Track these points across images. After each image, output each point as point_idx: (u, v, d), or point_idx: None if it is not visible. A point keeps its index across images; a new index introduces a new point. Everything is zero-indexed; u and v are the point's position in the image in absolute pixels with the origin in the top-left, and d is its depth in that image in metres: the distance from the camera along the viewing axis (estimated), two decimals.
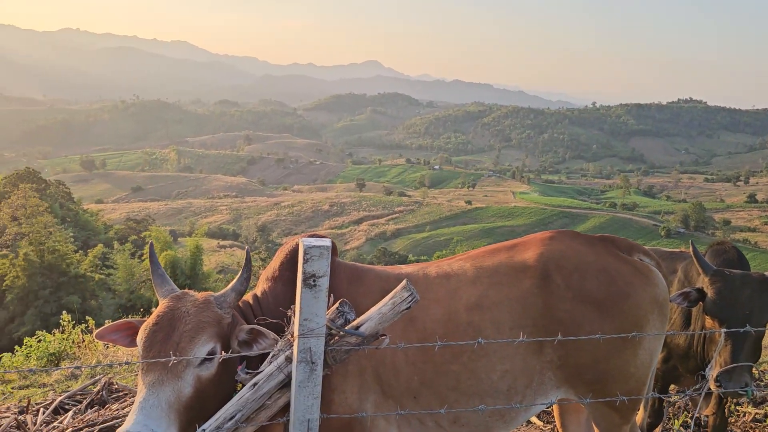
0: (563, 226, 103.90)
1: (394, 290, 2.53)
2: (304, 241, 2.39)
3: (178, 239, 63.41)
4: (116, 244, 39.44)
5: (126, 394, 4.74)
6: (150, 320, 2.60)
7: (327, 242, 2.43)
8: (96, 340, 8.20)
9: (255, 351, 2.65)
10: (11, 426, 4.39)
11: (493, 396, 2.94)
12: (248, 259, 2.74)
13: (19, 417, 4.52)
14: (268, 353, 2.63)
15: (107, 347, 8.39)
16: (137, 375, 6.19)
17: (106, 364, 3.14)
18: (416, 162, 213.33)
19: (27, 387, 6.38)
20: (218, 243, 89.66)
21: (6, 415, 4.81)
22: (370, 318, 2.51)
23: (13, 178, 54.11)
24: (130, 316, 7.35)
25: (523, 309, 2.95)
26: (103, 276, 37.91)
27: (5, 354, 8.44)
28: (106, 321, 8.69)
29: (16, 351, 7.90)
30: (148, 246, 2.74)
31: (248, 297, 2.94)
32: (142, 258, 32.41)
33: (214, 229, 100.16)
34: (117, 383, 5.03)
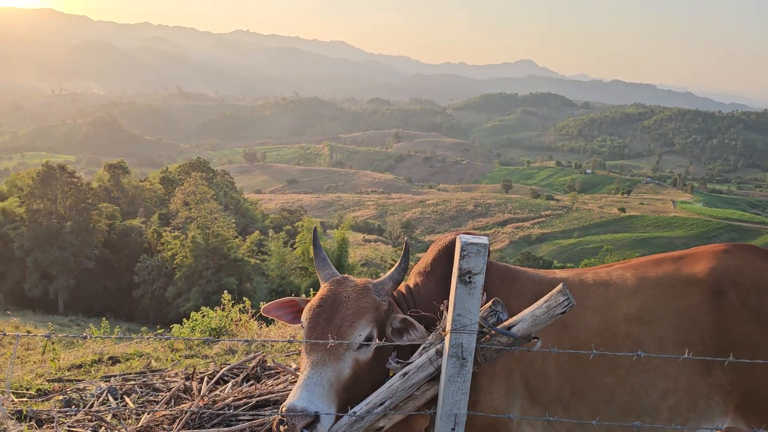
0: (730, 240, 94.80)
1: (550, 293, 2.46)
2: (461, 238, 2.40)
3: (327, 231, 66.45)
4: (271, 232, 42.00)
5: (278, 372, 5.05)
6: (313, 302, 2.76)
7: (484, 240, 2.41)
8: (250, 320, 8.80)
9: (405, 341, 2.72)
10: (179, 389, 4.86)
11: (651, 415, 2.76)
12: (407, 250, 2.80)
13: (186, 383, 4.99)
14: (419, 345, 2.68)
15: (261, 327, 8.98)
16: (288, 355, 6.57)
17: (263, 341, 3.36)
18: (567, 165, 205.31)
19: (192, 357, 7.00)
20: (363, 237, 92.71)
21: (175, 380, 5.34)
22: (523, 320, 2.47)
23: (186, 167, 59.73)
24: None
25: (690, 325, 2.74)
26: (258, 261, 40.74)
27: (175, 325, 9.33)
28: (261, 303, 9.33)
29: (184, 323, 8.69)
30: (312, 231, 2.91)
31: (401, 288, 3.01)
32: (294, 246, 34.26)
33: (360, 223, 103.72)
34: (271, 361, 5.38)
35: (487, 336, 2.48)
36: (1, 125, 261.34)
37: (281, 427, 2.41)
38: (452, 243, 2.80)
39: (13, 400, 4.92)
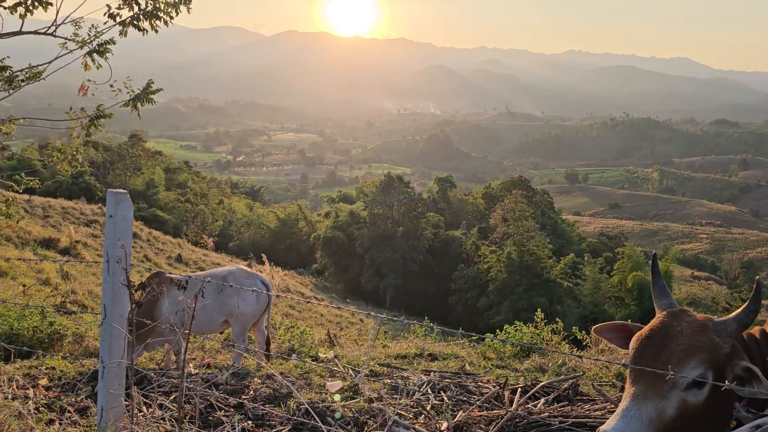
0: None
1: None
2: None
3: (650, 262, 61.39)
4: (587, 257, 40.59)
5: (591, 399, 4.87)
6: (643, 332, 2.61)
7: None
8: (561, 342, 8.63)
9: (746, 391, 2.38)
10: (492, 396, 5.03)
11: None
12: (758, 290, 2.46)
13: (499, 390, 5.14)
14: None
15: (572, 350, 8.75)
16: (600, 385, 6.28)
17: (577, 356, 3.26)
18: None
19: (503, 368, 7.17)
20: (692, 273, 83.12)
21: (488, 386, 5.54)
22: None
23: (507, 184, 61.46)
24: None
25: None
26: (570, 284, 39.78)
27: (488, 334, 9.68)
28: (572, 328, 9.06)
29: (497, 334, 8.95)
30: (651, 257, 2.74)
31: (755, 331, 2.65)
32: (611, 274, 32.53)
33: (689, 258, 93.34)
34: (584, 387, 5.22)
35: None
36: (356, 139, 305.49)
37: None
38: None
39: (351, 375, 5.72)
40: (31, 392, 4.09)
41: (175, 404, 3.84)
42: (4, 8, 5.99)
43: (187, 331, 2.72)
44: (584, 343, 8.87)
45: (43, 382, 4.79)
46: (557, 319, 10.14)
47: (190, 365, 6.54)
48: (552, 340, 9.01)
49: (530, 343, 8.39)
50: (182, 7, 6.19)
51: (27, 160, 48.03)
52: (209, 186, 73.88)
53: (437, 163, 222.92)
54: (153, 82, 6.60)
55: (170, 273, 6.45)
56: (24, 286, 13.96)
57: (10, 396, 3.61)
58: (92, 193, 49.63)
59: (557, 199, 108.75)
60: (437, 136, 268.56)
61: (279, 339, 8.27)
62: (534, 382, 5.61)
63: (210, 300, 5.83)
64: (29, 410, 3.35)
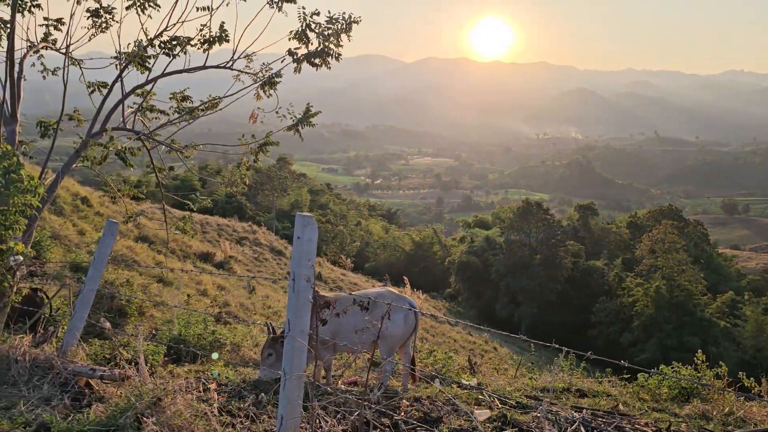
0: None
1: None
2: None
3: None
4: (748, 295, 37.03)
5: None
6: None
7: None
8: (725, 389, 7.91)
9: None
10: None
11: None
12: None
13: None
14: None
15: (740, 399, 7.99)
16: None
17: None
18: None
19: (660, 411, 6.69)
20: None
21: (645, 429, 5.20)
22: None
23: (655, 214, 57.68)
24: None
25: None
26: (728, 325, 36.33)
27: (642, 374, 9.08)
28: (740, 373, 8.27)
29: (651, 375, 8.36)
30: None
31: None
32: None
33: None
34: None
35: None
36: (493, 164, 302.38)
37: None
38: None
39: (498, 405, 5.63)
40: (207, 395, 4.45)
41: (336, 418, 4.01)
42: (192, 46, 6.71)
43: (369, 349, 2.83)
44: (752, 391, 8.06)
45: (213, 386, 5.18)
46: (720, 363, 9.32)
47: (338, 382, 6.78)
48: (715, 385, 8.30)
49: (689, 386, 7.77)
50: (343, 36, 6.56)
51: (190, 180, 52.77)
52: (348, 208, 76.63)
53: (577, 190, 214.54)
54: (312, 106, 7.03)
55: (321, 292, 6.76)
56: (188, 296, 15.29)
57: (194, 398, 3.96)
58: (243, 211, 53.37)
59: (712, 230, 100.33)
60: (578, 162, 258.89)
61: (420, 362, 8.34)
62: (700, 430, 5.20)
63: (360, 320, 6.02)
64: (213, 413, 3.66)
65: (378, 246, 62.47)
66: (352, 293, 6.67)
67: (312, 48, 6.61)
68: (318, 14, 6.48)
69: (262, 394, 5.00)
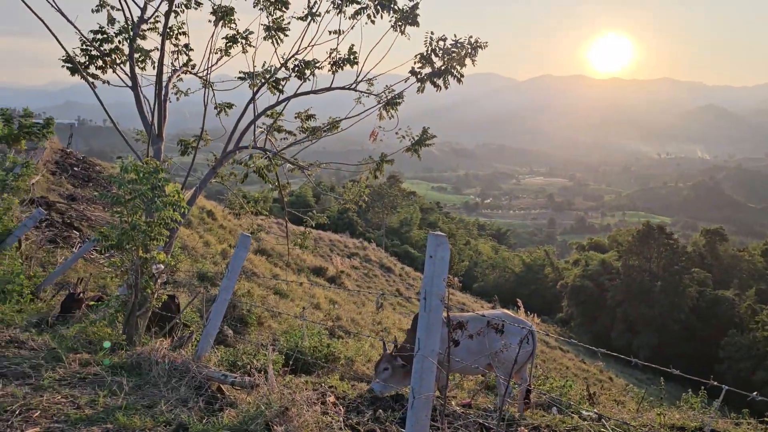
0: None
1: None
2: None
3: None
4: None
5: None
6: None
7: None
8: None
9: None
10: None
11: None
12: None
13: None
14: None
15: None
16: None
17: None
18: None
19: None
20: None
21: None
22: None
23: None
24: None
25: None
26: None
27: None
28: None
29: None
30: None
31: None
32: None
33: None
34: None
35: None
36: (609, 185, 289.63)
37: None
38: None
39: None
40: (326, 407, 4.57)
41: None
42: (320, 69, 7.01)
43: (510, 372, 2.78)
44: None
45: (331, 399, 5.30)
46: None
47: (452, 403, 6.71)
48: None
49: None
50: (467, 60, 6.61)
51: (305, 196, 54.67)
52: (457, 227, 76.24)
53: (704, 214, 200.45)
54: (429, 128, 7.11)
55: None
56: (303, 308, 15.80)
57: (319, 409, 4.08)
58: (354, 227, 54.60)
59: None
60: (705, 184, 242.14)
61: (536, 388, 8.08)
62: None
63: (475, 341, 5.94)
64: (340, 426, 3.75)
65: (487, 266, 61.56)
66: (462, 313, 6.60)
67: (436, 68, 6.69)
68: (444, 40, 6.58)
69: (380, 410, 5.05)
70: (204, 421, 4.01)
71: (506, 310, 7.20)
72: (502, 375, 6.10)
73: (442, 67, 6.60)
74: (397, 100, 6.86)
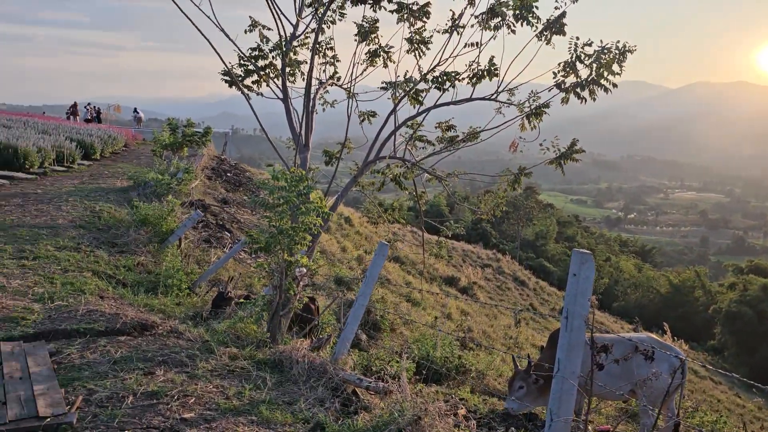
0: None
1: None
2: None
3: None
4: None
5: None
6: None
7: None
8: None
9: None
10: None
11: None
12: None
13: None
14: None
15: None
16: None
17: None
18: None
19: None
20: None
21: None
22: None
23: None
24: None
25: None
26: None
27: None
28: None
29: None
30: None
31: None
32: None
33: None
34: None
35: None
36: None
37: None
38: None
39: None
40: (458, 420, 4.54)
41: None
42: (460, 81, 7.03)
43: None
44: None
45: (462, 412, 5.27)
46: None
47: (590, 428, 6.39)
48: None
49: None
50: (615, 66, 6.28)
51: (438, 205, 54.90)
52: (597, 242, 72.73)
53: None
54: (578, 141, 6.82)
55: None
56: (435, 318, 15.85)
57: (451, 422, 4.07)
58: (488, 238, 53.90)
59: None
60: None
61: (684, 420, 7.47)
62: None
63: (619, 366, 5.62)
64: None
65: (628, 285, 58.09)
66: (606, 335, 6.26)
67: (582, 78, 6.43)
68: (590, 44, 6.30)
69: (512, 428, 4.93)
70: (339, 422, 4.15)
71: (652, 334, 6.72)
72: (649, 404, 5.71)
73: (588, 78, 6.31)
74: (542, 111, 6.65)
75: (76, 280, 7.19)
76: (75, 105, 41.55)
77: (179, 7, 6.23)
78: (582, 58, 6.43)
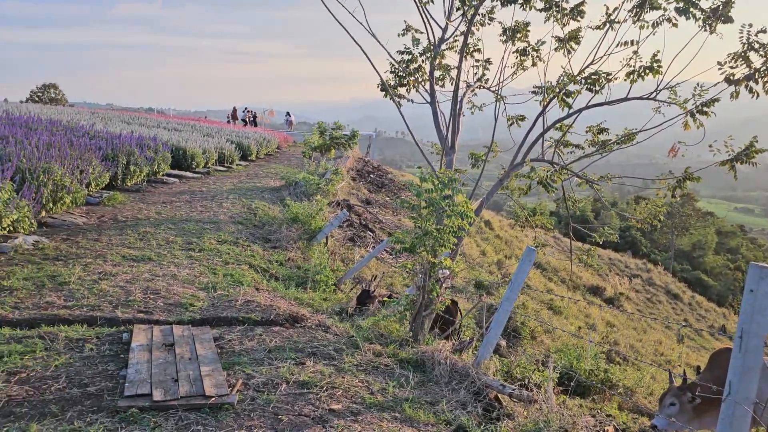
0: None
1: None
2: None
3: None
4: None
5: None
6: None
7: None
8: None
9: None
10: None
11: None
12: None
13: None
14: None
15: None
16: None
17: None
18: None
19: None
20: None
21: None
22: None
23: None
24: None
25: None
26: None
27: None
28: None
29: None
30: None
31: None
32: None
33: None
34: None
35: None
36: None
37: None
38: None
39: None
40: None
41: None
42: (616, 79, 6.66)
43: None
44: None
45: (610, 429, 4.99)
46: None
47: None
48: None
49: None
50: None
51: (584, 211, 52.64)
52: (765, 255, 65.69)
53: None
54: (756, 140, 6.20)
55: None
56: (579, 328, 15.20)
57: None
58: (637, 247, 50.72)
59: None
60: None
61: None
62: None
63: None
64: None
65: None
66: None
67: (753, 67, 5.79)
68: (765, 31, 5.66)
69: None
70: (482, 427, 4.10)
71: None
72: None
73: (762, 68, 5.68)
74: (710, 105, 6.07)
75: (235, 272, 7.76)
76: (235, 110, 44.97)
77: (335, 17, 6.50)
78: (755, 46, 5.80)
